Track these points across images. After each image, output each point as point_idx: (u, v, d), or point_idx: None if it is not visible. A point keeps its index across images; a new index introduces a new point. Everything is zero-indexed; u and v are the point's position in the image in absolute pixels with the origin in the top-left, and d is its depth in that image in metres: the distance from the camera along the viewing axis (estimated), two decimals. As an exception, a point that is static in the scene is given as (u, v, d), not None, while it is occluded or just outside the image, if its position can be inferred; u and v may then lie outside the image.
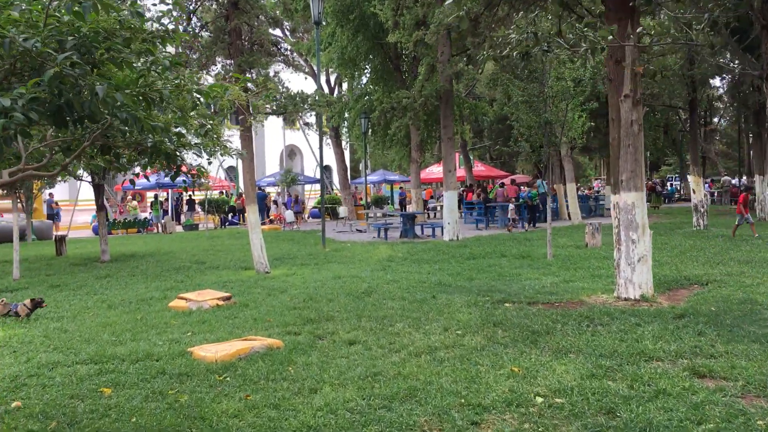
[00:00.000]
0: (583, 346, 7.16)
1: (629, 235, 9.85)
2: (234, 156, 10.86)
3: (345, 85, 34.81)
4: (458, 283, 12.15)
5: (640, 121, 9.77)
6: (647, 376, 6.08)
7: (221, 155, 9.47)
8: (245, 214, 36.17)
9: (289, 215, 30.27)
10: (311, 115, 27.23)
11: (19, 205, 27.39)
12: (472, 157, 40.05)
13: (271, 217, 34.29)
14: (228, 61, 16.00)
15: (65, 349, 7.89)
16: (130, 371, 6.83)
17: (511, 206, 25.65)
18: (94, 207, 36.44)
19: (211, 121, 6.72)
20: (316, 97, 15.48)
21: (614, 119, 10.06)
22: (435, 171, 40.30)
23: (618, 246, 10.00)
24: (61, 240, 20.84)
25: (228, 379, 6.45)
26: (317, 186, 43.05)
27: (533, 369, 6.40)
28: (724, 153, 60.76)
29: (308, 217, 36.89)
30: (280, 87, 15.07)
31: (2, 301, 10.06)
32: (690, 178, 24.08)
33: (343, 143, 36.06)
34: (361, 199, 39.42)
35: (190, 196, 34.90)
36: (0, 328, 9.31)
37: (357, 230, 27.44)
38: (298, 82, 30.43)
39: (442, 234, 21.89)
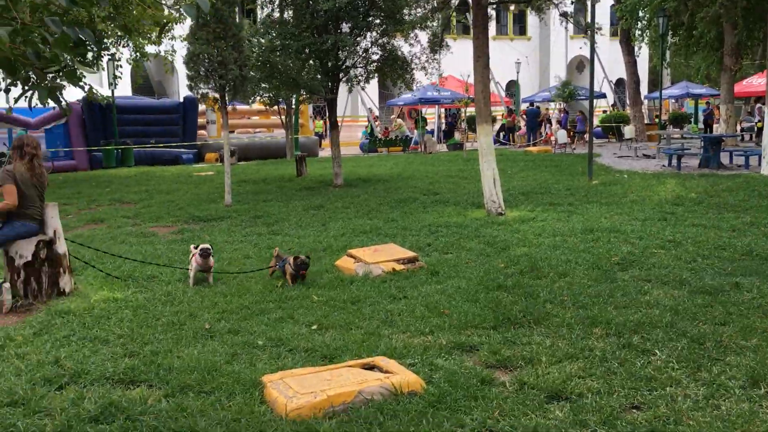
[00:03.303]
0: None
1: None
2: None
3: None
4: (782, 255, 7.57)
5: None
6: None
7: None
8: (515, 134, 32.64)
9: (561, 135, 25.95)
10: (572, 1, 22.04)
11: (280, 120, 26.98)
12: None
13: (543, 137, 30.19)
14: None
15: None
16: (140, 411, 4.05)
17: None
18: (366, 123, 35.75)
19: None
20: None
21: None
22: (756, 83, 32.23)
23: None
24: (301, 160, 19.36)
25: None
26: (603, 102, 37.49)
27: None
28: None
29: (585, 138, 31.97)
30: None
31: (276, 252, 7.42)
32: None
33: (636, 49, 30.14)
34: (657, 116, 33.24)
35: (457, 112, 32.14)
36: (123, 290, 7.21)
37: (643, 155, 22.35)
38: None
39: (759, 165, 16.24)
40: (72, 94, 22.11)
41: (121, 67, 22.78)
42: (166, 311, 6.06)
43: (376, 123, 33.79)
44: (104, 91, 24.08)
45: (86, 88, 19.19)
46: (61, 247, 6.51)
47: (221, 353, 4.95)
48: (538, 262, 7.54)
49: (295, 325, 5.63)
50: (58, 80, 2.82)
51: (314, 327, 5.58)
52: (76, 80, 2.91)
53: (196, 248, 7.12)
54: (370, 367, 4.46)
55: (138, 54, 21.38)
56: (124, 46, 21.15)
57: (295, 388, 4.05)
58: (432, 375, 4.47)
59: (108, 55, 20.76)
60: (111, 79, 23.77)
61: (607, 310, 5.71)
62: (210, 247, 7.06)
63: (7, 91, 18.62)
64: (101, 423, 3.89)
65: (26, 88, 3.19)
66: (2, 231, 6.21)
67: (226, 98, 13.13)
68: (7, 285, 6.29)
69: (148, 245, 9.38)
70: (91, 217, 12.31)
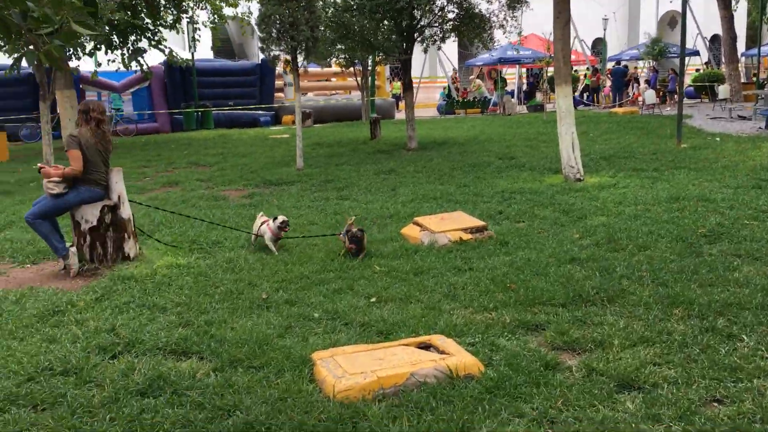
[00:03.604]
0: None
1: None
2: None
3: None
4: None
5: None
6: None
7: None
8: (600, 95, 31.28)
9: (649, 95, 24.63)
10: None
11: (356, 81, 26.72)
12: None
13: (630, 98, 28.82)
14: None
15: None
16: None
17: None
18: (445, 84, 35.02)
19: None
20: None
21: None
22: None
23: None
24: (375, 123, 19.09)
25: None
26: (696, 60, 35.41)
27: None
28: None
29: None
30: None
31: (351, 220, 6.95)
32: None
33: (733, 3, 28.18)
34: (754, 75, 31.17)
35: (539, 72, 31.04)
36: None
37: (738, 116, 20.98)
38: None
39: None
40: (154, 57, 22.52)
41: (199, 29, 22.98)
42: (225, 279, 5.98)
43: (455, 84, 33.03)
44: (185, 54, 24.41)
45: (167, 51, 19.43)
46: (126, 212, 6.51)
47: (275, 326, 4.81)
48: (616, 233, 7.07)
49: (354, 297, 5.44)
50: (56, 42, 2.60)
51: (373, 299, 5.37)
52: (73, 41, 2.67)
53: (262, 216, 6.99)
54: (426, 346, 4.21)
55: (215, 16, 21.45)
56: (201, 9, 21.26)
57: (345, 367, 3.85)
58: (492, 357, 4.18)
59: (186, 17, 20.92)
60: (190, 42, 24.05)
61: (690, 289, 5.25)
62: (287, 220, 6.94)
63: (90, 54, 19.10)
64: (148, 396, 3.80)
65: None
66: (67, 196, 6.25)
67: (298, 60, 12.95)
68: (73, 249, 6.35)
69: (216, 209, 9.39)
70: (167, 180, 12.48)
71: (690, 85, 30.54)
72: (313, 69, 28.62)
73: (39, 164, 6.42)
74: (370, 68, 25.55)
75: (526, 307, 5.05)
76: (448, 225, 7.21)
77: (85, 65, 21.46)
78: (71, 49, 18.68)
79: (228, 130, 23.57)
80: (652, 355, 4.14)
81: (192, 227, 7.92)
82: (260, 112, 26.00)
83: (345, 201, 9.72)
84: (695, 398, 3.60)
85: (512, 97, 30.01)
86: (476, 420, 3.45)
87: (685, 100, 26.72)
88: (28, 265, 6.82)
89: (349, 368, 3.84)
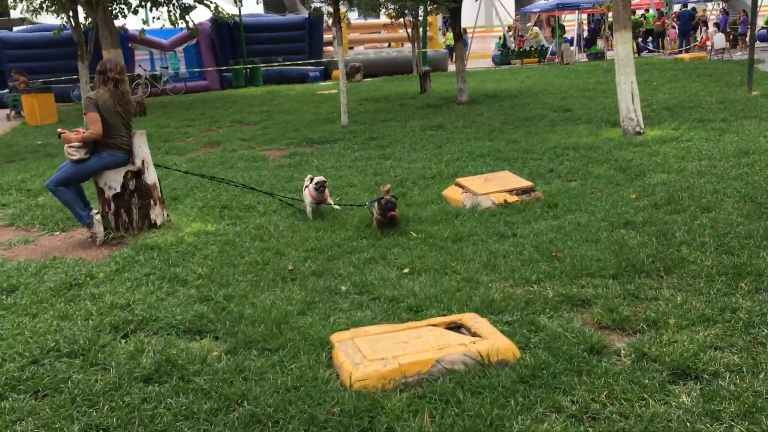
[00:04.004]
0: None
1: None
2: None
3: None
4: None
5: None
6: None
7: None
8: (665, 40, 29.67)
9: (718, 39, 23.15)
10: None
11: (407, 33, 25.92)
12: None
13: (697, 42, 27.21)
14: None
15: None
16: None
17: None
18: (501, 33, 33.77)
19: None
20: None
21: None
22: None
23: None
24: (425, 75, 18.46)
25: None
26: (770, -1, 33.10)
27: None
28: None
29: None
30: None
31: (386, 187, 6.18)
32: None
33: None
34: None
35: (600, 18, 29.54)
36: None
37: (816, 60, 19.54)
38: None
39: None
40: (200, 14, 22.25)
41: (246, -17, 22.56)
42: (253, 248, 5.67)
43: (510, 33, 31.81)
44: (233, 10, 24.06)
45: (212, 6, 19.11)
46: (151, 177, 6.23)
47: (297, 301, 4.47)
48: (677, 192, 6.47)
49: (386, 267, 5.06)
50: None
51: (406, 270, 4.98)
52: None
53: (311, 181, 6.59)
54: (457, 327, 3.82)
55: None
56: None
57: (365, 352, 3.49)
58: (530, 339, 3.76)
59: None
60: (237, -3, 23.67)
61: (759, 257, 4.68)
62: (324, 179, 6.46)
63: (135, 12, 18.91)
64: (153, 383, 3.53)
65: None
66: (89, 162, 6.00)
67: (342, 11, 12.43)
68: (98, 217, 6.14)
69: (254, 170, 9.10)
70: (209, 140, 12.25)
71: (763, 28, 28.65)
72: (362, 21, 27.94)
73: (59, 129, 6.18)
74: (421, 19, 24.73)
75: (572, 279, 4.58)
76: (492, 186, 6.73)
77: (132, 24, 21.34)
78: (117, 7, 18.59)
79: (276, 87, 23.26)
80: (713, 337, 3.65)
81: (226, 191, 7.64)
82: (309, 67, 25.57)
83: (387, 160, 9.30)
84: (762, 391, 3.12)
85: (571, 45, 28.71)
86: (507, 416, 3.05)
87: (757, 44, 24.91)
88: (57, 233, 6.67)
89: (369, 353, 3.48)
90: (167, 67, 24.39)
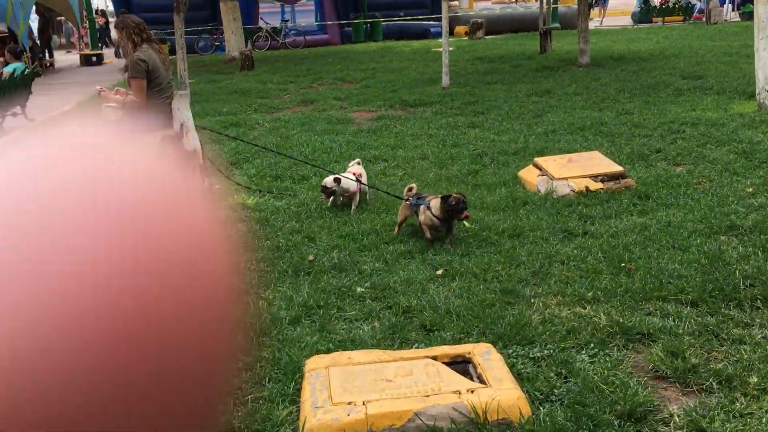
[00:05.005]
0: None
1: None
2: None
3: None
4: None
5: None
6: None
7: None
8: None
9: None
10: None
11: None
12: None
13: None
14: None
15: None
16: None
17: None
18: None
19: None
20: None
21: None
22: None
23: None
24: (546, 34, 17.04)
25: None
26: None
27: None
28: None
29: None
30: None
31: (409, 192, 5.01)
32: None
33: None
34: None
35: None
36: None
37: None
38: None
39: None
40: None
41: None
42: (284, 228, 5.08)
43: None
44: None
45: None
46: (190, 143, 5.76)
47: (297, 304, 3.83)
48: (807, 189, 5.23)
49: (418, 266, 4.31)
50: None
51: (439, 272, 4.21)
52: None
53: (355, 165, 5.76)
54: (464, 361, 3.05)
55: None
56: None
57: (333, 389, 2.80)
58: (554, 387, 2.92)
59: None
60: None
61: None
62: (340, 177, 5.57)
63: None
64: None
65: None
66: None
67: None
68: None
69: (330, 134, 8.50)
70: (304, 98, 11.78)
71: None
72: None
73: (98, 86, 5.81)
74: (552, -29, 22.98)
75: (637, 302, 3.65)
76: (574, 169, 5.74)
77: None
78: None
79: (395, 42, 22.47)
80: (809, 412, 2.66)
81: (284, 159, 7.09)
82: (431, 22, 24.54)
83: (474, 129, 8.40)
84: None
85: (720, 3, 25.84)
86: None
87: None
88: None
89: (338, 392, 2.78)
90: (287, 20, 24.21)
